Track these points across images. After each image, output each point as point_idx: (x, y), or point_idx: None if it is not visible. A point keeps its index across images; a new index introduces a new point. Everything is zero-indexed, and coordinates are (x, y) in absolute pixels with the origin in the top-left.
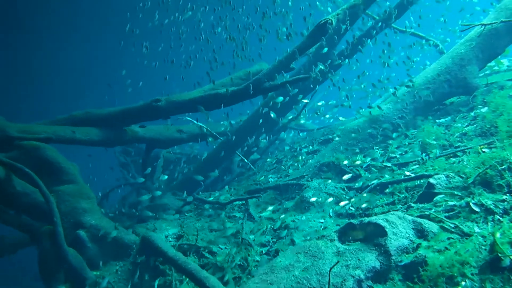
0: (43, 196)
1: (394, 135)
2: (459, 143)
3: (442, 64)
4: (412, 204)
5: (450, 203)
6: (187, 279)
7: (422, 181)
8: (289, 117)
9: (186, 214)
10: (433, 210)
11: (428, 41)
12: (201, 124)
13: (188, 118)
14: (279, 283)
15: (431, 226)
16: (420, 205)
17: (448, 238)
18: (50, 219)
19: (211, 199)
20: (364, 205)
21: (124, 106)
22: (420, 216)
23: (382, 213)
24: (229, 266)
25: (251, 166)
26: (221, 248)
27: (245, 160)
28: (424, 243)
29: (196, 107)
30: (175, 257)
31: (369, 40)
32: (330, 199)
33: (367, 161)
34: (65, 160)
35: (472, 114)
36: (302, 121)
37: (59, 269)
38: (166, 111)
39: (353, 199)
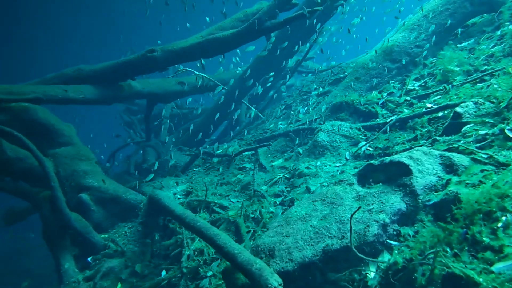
0: (37, 160)
1: (411, 65)
2: (486, 67)
3: None
4: (438, 138)
5: (481, 132)
6: (200, 238)
7: (446, 112)
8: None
9: (194, 169)
10: (462, 141)
11: None
12: (202, 74)
13: (189, 69)
14: (295, 235)
15: (461, 160)
16: (447, 138)
17: (482, 171)
18: (48, 184)
19: (219, 151)
20: (383, 144)
21: (117, 60)
22: (448, 150)
23: (404, 150)
24: (241, 219)
25: (259, 114)
26: (233, 202)
27: (252, 108)
28: (455, 179)
29: (194, 55)
30: (183, 215)
31: None
32: (346, 141)
33: (383, 96)
34: (59, 121)
35: (498, 33)
36: (309, 63)
37: (63, 235)
38: (162, 61)
39: (370, 139)
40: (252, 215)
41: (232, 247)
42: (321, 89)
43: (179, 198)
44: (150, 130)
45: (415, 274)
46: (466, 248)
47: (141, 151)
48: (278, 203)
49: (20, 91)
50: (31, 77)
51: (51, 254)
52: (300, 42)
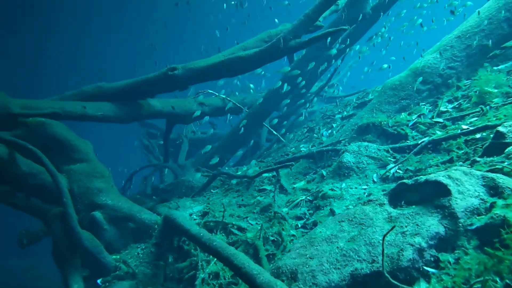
0: (50, 175)
1: (443, 88)
2: None
3: (499, 1)
4: (478, 159)
5: None
6: (215, 259)
7: (485, 133)
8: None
9: (212, 191)
10: (506, 163)
11: None
12: (223, 96)
13: (210, 91)
14: (320, 256)
15: (506, 182)
16: (488, 159)
17: None
18: (60, 200)
19: (238, 173)
20: (414, 166)
21: (137, 77)
22: (491, 171)
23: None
24: (261, 242)
25: (280, 138)
26: (251, 224)
27: (273, 131)
28: (500, 202)
29: (216, 74)
30: (198, 234)
31: None
32: (373, 163)
33: (413, 118)
34: (76, 137)
35: None
36: (332, 90)
37: (74, 255)
38: (183, 79)
39: (400, 161)
40: (272, 238)
41: (251, 268)
42: (345, 112)
43: (195, 219)
44: (169, 151)
45: None
46: None
47: (159, 172)
48: (300, 226)
49: (37, 106)
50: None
51: (60, 273)
52: (320, 68)
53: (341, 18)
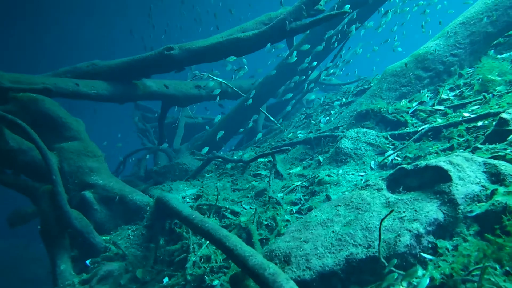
0: (39, 152)
1: (445, 75)
2: None
3: None
4: (479, 146)
5: None
6: (207, 242)
7: (487, 121)
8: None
9: (206, 174)
10: (509, 150)
11: None
12: (221, 80)
13: (209, 74)
14: (315, 240)
15: (509, 169)
16: (490, 146)
17: None
18: (49, 178)
19: (234, 158)
20: (413, 154)
21: (133, 56)
22: (493, 158)
23: None
24: (254, 226)
25: (277, 124)
26: (245, 209)
27: (270, 117)
28: (502, 189)
29: (214, 55)
30: (190, 216)
31: None
32: (371, 150)
33: (414, 105)
34: (68, 115)
35: None
36: (330, 78)
37: (62, 234)
38: (180, 60)
39: (399, 148)
40: (266, 222)
41: (243, 250)
42: (344, 99)
43: (188, 202)
44: (163, 134)
45: None
46: None
47: (153, 155)
48: (294, 211)
49: (28, 80)
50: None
51: (48, 253)
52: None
53: (343, 2)
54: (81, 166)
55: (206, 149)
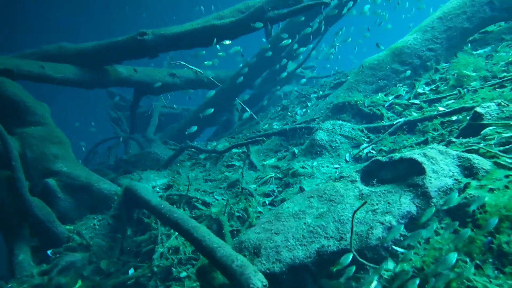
0: None
1: (421, 70)
2: (505, 73)
3: None
4: (453, 139)
5: (505, 135)
6: (176, 233)
7: (461, 116)
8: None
9: (178, 164)
10: (482, 144)
11: None
12: (197, 69)
13: (183, 63)
14: (286, 232)
15: (482, 163)
16: (464, 140)
17: (507, 176)
18: (8, 163)
19: (208, 148)
20: (388, 147)
21: (104, 40)
22: (466, 152)
23: None
24: (225, 217)
25: (253, 115)
26: (217, 200)
27: (246, 108)
28: (474, 183)
29: (189, 42)
30: (158, 206)
31: None
32: (347, 142)
33: (390, 99)
34: (31, 99)
35: None
36: (307, 72)
37: (21, 223)
38: (154, 46)
39: (374, 141)
40: (238, 214)
41: (212, 241)
42: (321, 92)
43: (158, 192)
44: (136, 122)
45: (427, 286)
46: (491, 260)
47: (124, 144)
48: (267, 203)
49: None
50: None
51: (5, 243)
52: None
53: None
54: (45, 153)
55: (195, 128)
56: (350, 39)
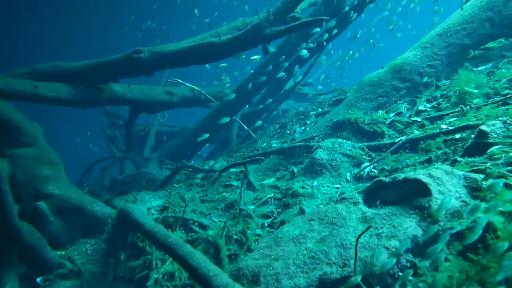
0: None
1: (422, 87)
2: (508, 91)
3: None
4: (459, 159)
5: None
6: (171, 258)
7: (465, 134)
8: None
9: (174, 185)
10: (489, 163)
11: None
12: (194, 87)
13: (179, 80)
14: (286, 258)
15: (490, 183)
16: (470, 159)
17: None
18: None
19: (204, 167)
20: (390, 166)
21: (99, 58)
22: (473, 172)
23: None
24: (223, 241)
25: (251, 133)
26: (214, 221)
27: (244, 126)
28: (483, 205)
29: (185, 60)
30: (153, 229)
31: None
32: (347, 161)
33: (391, 116)
34: (23, 119)
35: None
36: (306, 89)
37: (9, 249)
38: (150, 64)
39: (376, 159)
40: (236, 237)
41: (208, 269)
42: (320, 109)
43: (153, 214)
44: (131, 141)
45: None
46: None
47: (119, 164)
48: (266, 225)
49: None
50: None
51: None
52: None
53: (319, 11)
54: (36, 175)
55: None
56: (349, 60)
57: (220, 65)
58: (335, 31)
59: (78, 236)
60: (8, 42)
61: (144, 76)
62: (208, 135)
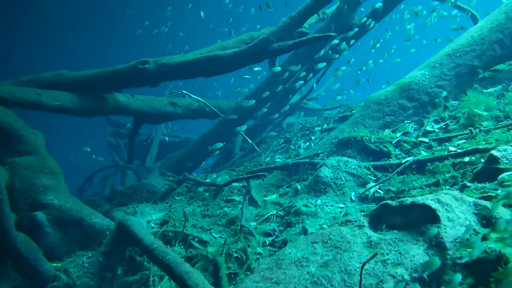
0: None
1: (430, 106)
2: None
3: (492, 21)
4: (468, 184)
5: None
6: (168, 276)
7: (474, 157)
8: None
9: (176, 197)
10: (499, 191)
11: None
12: (199, 98)
13: (185, 92)
14: (287, 282)
15: (501, 212)
16: (479, 185)
17: None
18: None
19: (206, 181)
20: (396, 187)
21: (104, 68)
22: (483, 199)
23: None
24: (222, 258)
25: (255, 147)
26: (215, 237)
27: (248, 139)
28: (494, 234)
29: (191, 72)
30: (151, 245)
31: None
32: (352, 180)
33: (397, 136)
34: (25, 127)
35: None
36: (312, 103)
37: (4, 260)
38: (155, 75)
39: (381, 180)
40: (236, 255)
41: None
42: (325, 125)
43: (152, 227)
44: (134, 151)
45: None
46: None
47: (121, 174)
48: (267, 243)
49: None
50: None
51: None
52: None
53: (327, 27)
54: (35, 184)
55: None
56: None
57: (244, 76)
58: (342, 44)
59: (75, 248)
60: (7, 48)
61: (149, 87)
62: (221, 144)
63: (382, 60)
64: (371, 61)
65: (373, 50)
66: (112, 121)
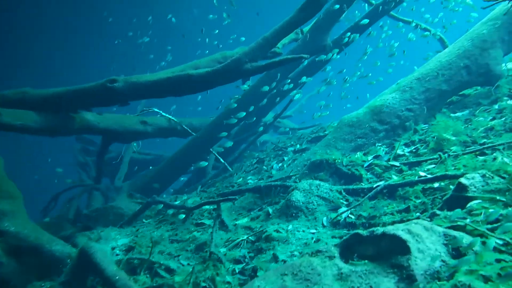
0: None
1: (401, 130)
2: (485, 140)
3: (459, 47)
4: (438, 212)
5: (492, 211)
6: None
7: (443, 183)
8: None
9: (144, 220)
10: (468, 219)
11: (432, 32)
12: (170, 116)
13: (156, 110)
14: None
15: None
16: (449, 213)
17: (498, 260)
18: None
19: (177, 203)
20: (368, 212)
21: (71, 86)
22: (452, 228)
23: (394, 222)
24: None
25: (228, 167)
26: (183, 265)
27: (220, 159)
28: (464, 267)
29: (161, 92)
30: (113, 277)
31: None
32: (324, 204)
33: (369, 159)
34: None
35: (496, 106)
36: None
37: None
38: (124, 94)
39: (353, 205)
40: (204, 284)
41: None
42: (298, 146)
43: (117, 254)
44: (102, 171)
45: None
46: None
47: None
48: (237, 271)
49: None
50: None
51: None
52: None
53: (300, 48)
54: None
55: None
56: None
57: (243, 87)
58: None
59: (33, 279)
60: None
61: (119, 106)
62: (206, 163)
63: (371, 74)
64: (358, 72)
65: (360, 64)
66: (80, 137)
